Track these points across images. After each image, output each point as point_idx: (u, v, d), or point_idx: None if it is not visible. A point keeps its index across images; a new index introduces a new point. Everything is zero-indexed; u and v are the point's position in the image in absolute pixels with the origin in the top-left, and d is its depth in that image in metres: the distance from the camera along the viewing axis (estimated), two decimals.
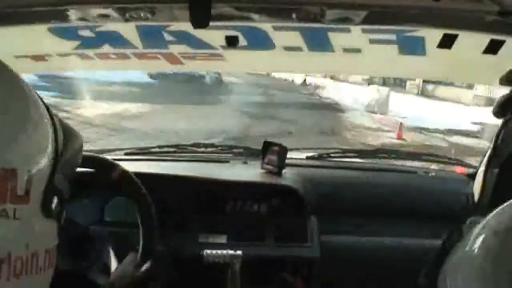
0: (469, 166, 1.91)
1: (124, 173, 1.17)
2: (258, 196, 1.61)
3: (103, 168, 1.18)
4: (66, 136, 0.63)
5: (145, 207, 1.19)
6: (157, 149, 2.00)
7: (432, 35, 1.03)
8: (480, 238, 0.54)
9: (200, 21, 0.86)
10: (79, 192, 1.54)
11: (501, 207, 0.57)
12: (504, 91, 1.30)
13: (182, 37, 1.15)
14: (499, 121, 1.19)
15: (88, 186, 1.52)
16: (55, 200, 0.58)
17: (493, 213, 0.57)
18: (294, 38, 1.11)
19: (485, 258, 0.52)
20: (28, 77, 1.40)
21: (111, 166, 1.18)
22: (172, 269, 1.42)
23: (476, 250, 0.53)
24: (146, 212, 1.20)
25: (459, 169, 1.94)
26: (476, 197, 1.61)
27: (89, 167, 1.19)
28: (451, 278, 0.55)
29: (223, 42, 1.14)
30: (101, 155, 1.25)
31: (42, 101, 0.58)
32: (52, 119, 0.59)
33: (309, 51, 1.18)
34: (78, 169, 1.26)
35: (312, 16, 0.91)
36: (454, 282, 0.54)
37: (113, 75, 13.05)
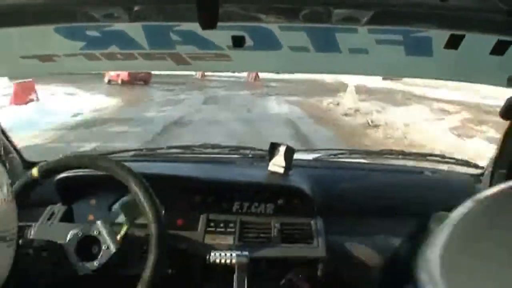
0: (476, 167, 1.89)
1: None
2: (264, 197, 1.62)
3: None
4: None
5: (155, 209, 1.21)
6: (164, 150, 2.01)
7: (439, 36, 1.03)
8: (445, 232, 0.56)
9: (208, 22, 0.87)
10: (86, 192, 1.55)
11: (466, 202, 0.59)
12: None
13: (189, 37, 1.15)
14: None
15: (95, 186, 1.54)
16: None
17: (458, 208, 0.59)
18: (301, 38, 1.11)
19: (447, 249, 0.54)
20: None
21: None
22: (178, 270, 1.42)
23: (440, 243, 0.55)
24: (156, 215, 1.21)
25: (466, 170, 1.93)
26: None
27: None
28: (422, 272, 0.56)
29: (230, 43, 1.15)
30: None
31: None
32: None
33: (316, 51, 1.18)
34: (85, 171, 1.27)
35: (319, 16, 0.91)
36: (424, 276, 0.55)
37: None
